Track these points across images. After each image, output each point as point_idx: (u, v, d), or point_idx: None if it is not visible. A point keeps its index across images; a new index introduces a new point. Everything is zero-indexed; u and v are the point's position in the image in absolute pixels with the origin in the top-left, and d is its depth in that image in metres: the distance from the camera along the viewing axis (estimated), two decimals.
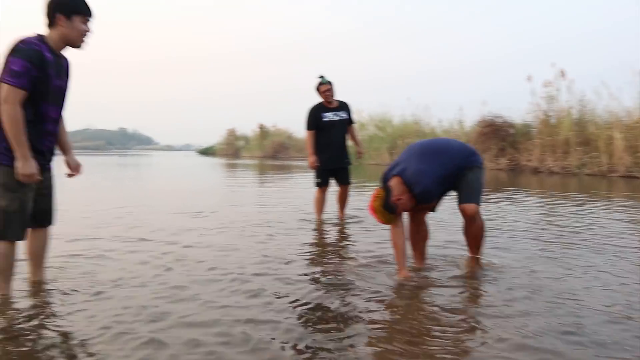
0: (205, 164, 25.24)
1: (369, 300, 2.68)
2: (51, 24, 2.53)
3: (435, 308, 2.56)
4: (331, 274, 3.22)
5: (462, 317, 2.44)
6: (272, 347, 2.06)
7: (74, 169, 2.89)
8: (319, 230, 5.05)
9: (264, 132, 37.33)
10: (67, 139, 2.86)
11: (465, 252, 3.46)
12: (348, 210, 5.75)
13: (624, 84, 15.29)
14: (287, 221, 5.42)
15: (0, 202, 2.46)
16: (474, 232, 3.17)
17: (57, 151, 2.79)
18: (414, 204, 3.05)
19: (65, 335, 2.20)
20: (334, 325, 2.34)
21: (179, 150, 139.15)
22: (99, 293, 2.77)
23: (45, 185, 2.71)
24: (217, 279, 3.05)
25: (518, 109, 17.50)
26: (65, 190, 8.18)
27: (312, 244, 4.33)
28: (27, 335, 2.19)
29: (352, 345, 2.10)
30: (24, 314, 2.43)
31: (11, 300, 2.58)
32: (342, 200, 5.62)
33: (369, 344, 2.12)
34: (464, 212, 3.06)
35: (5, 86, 2.35)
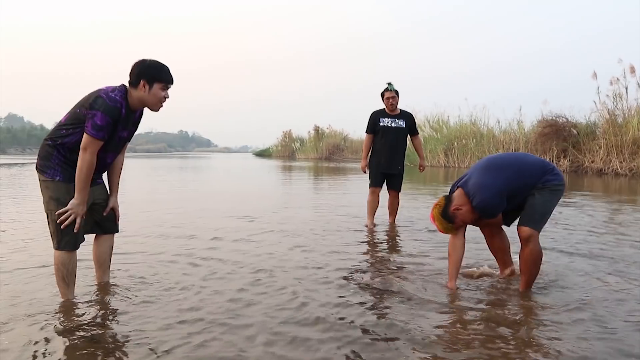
0: (261, 166, 25.74)
1: (412, 310, 2.74)
2: (133, 84, 2.70)
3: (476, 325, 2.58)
4: (371, 282, 3.29)
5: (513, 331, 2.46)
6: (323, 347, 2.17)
7: (112, 209, 3.02)
8: (369, 235, 5.10)
9: (319, 134, 37.61)
10: (117, 180, 3.01)
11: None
12: (401, 215, 5.78)
13: None
14: (337, 227, 5.53)
15: (54, 215, 2.66)
16: (525, 257, 2.93)
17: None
18: (476, 217, 3.02)
19: (127, 337, 2.40)
20: (376, 335, 2.42)
21: (237, 152, 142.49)
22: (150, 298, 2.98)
23: (100, 198, 2.92)
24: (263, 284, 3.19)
25: (581, 108, 16.83)
26: (128, 196, 8.66)
27: (358, 252, 4.31)
28: (91, 338, 2.34)
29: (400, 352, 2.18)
30: (89, 318, 2.57)
31: (76, 305, 2.74)
32: (392, 206, 5.68)
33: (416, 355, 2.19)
34: (519, 235, 2.94)
35: (88, 137, 2.58)
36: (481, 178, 2.96)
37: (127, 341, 2.30)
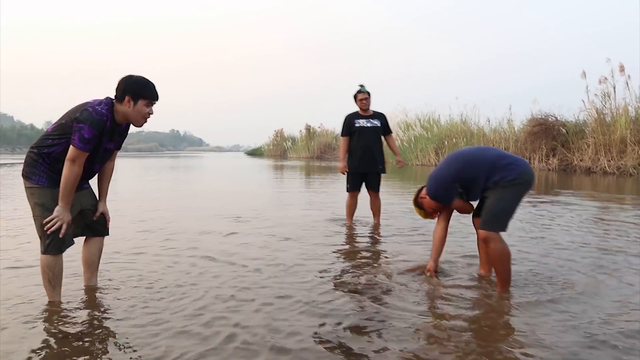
0: (252, 165, 25.73)
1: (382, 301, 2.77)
2: (119, 99, 2.74)
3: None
4: (354, 281, 3.32)
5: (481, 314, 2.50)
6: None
7: (102, 213, 3.06)
8: (348, 234, 5.15)
9: (310, 133, 37.63)
10: (107, 186, 3.07)
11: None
12: (388, 214, 5.80)
13: None
14: (322, 226, 5.55)
15: (40, 221, 2.71)
16: (489, 257, 3.06)
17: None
18: (437, 205, 3.27)
19: (114, 336, 2.42)
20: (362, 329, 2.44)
21: (228, 151, 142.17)
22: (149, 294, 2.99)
23: (88, 203, 2.97)
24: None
25: (570, 107, 16.95)
26: (119, 197, 8.65)
27: (336, 250, 4.35)
28: (77, 338, 2.37)
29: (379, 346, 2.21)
30: (75, 319, 2.61)
31: (63, 307, 2.78)
32: (374, 207, 5.70)
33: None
34: (478, 237, 3.16)
35: (75, 149, 2.62)
36: (436, 170, 3.26)
37: (111, 341, 2.31)
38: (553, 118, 16.97)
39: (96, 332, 2.45)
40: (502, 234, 2.95)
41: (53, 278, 2.81)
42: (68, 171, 2.65)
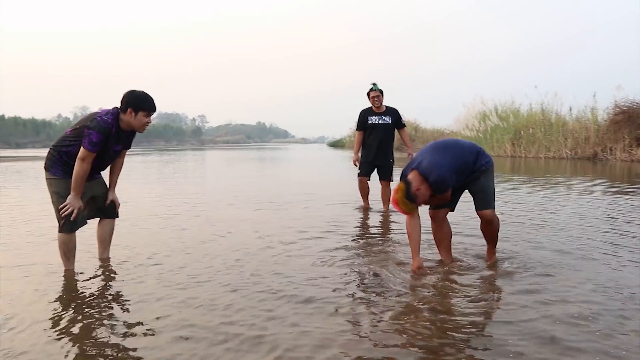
0: (331, 156, 26.45)
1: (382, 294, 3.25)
2: (123, 110, 3.36)
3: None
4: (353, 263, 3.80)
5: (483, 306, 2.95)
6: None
7: (112, 200, 3.72)
8: (363, 219, 5.78)
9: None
10: (116, 179, 3.73)
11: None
12: None
13: None
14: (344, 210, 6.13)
15: (56, 205, 3.37)
16: (492, 233, 3.50)
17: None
18: (431, 194, 3.29)
19: (119, 300, 2.99)
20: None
21: (313, 142, 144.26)
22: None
23: (99, 191, 3.63)
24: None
25: None
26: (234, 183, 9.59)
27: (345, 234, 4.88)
28: (89, 301, 2.96)
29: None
30: (87, 283, 3.29)
31: (77, 273, 3.48)
32: (384, 196, 6.28)
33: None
34: (482, 218, 3.41)
35: (85, 150, 3.26)
36: (433, 159, 3.28)
37: (115, 300, 2.98)
38: (637, 105, 16.12)
39: (104, 293, 3.11)
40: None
41: (67, 251, 3.50)
42: (78, 167, 3.27)
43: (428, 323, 2.54)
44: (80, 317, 2.70)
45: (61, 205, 3.36)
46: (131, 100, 3.35)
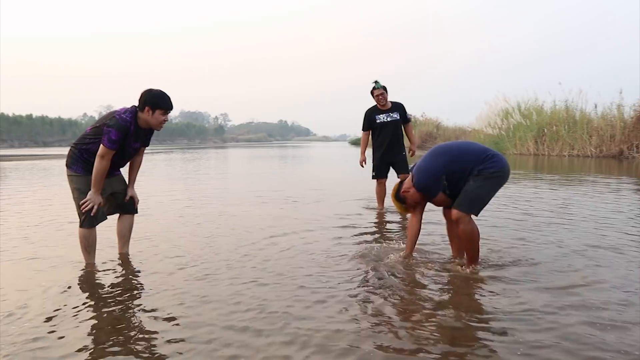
0: (351, 154, 26.40)
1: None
2: (140, 109, 3.41)
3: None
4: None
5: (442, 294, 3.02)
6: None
7: (131, 197, 3.77)
8: (378, 218, 5.76)
9: (412, 122, 37.26)
10: (135, 176, 3.78)
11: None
12: None
13: None
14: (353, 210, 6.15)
15: (77, 201, 3.44)
16: (459, 236, 3.34)
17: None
18: (421, 198, 3.38)
19: (138, 294, 3.07)
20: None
21: (335, 140, 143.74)
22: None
23: (119, 187, 3.70)
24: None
25: None
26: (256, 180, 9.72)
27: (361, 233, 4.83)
28: (110, 293, 3.07)
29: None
30: (107, 277, 3.39)
31: (98, 268, 3.56)
32: None
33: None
34: (451, 216, 3.30)
35: (104, 148, 3.32)
36: (423, 163, 3.34)
37: (135, 289, 3.14)
38: None
39: (124, 285, 3.22)
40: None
41: (88, 246, 3.59)
42: (98, 164, 3.34)
43: (434, 322, 2.59)
44: (102, 305, 2.84)
45: (82, 201, 3.43)
46: (149, 98, 3.40)
